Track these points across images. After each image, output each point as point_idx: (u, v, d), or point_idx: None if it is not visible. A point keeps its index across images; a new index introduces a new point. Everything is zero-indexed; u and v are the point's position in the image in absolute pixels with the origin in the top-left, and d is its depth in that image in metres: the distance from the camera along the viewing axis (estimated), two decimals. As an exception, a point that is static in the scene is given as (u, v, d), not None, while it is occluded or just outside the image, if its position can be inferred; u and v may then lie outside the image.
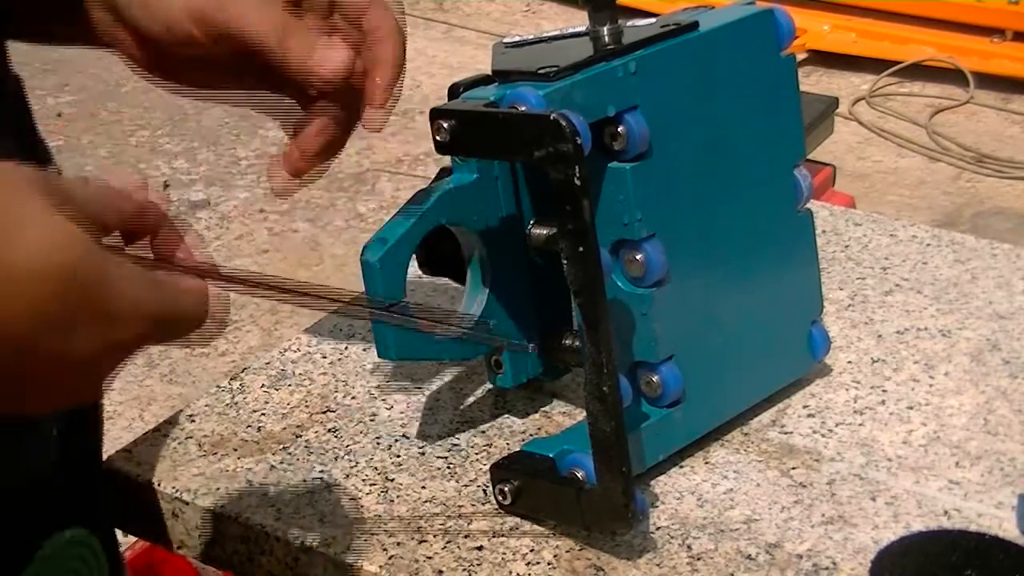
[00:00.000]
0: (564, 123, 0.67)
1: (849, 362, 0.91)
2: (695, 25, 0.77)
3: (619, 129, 0.74)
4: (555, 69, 0.73)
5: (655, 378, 0.78)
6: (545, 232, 0.79)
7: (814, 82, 3.71)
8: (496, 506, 0.78)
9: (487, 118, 0.72)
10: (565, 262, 0.70)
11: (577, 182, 0.68)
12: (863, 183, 3.21)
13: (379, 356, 0.77)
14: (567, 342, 0.81)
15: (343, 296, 0.63)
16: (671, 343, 0.78)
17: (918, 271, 1.02)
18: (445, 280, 0.87)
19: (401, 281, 0.75)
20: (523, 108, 0.71)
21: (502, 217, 0.79)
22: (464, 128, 0.72)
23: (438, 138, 0.73)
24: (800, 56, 3.63)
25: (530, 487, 0.76)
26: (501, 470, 0.77)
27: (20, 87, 0.75)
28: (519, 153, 0.72)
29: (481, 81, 0.78)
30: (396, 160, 3.35)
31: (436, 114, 0.73)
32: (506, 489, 0.77)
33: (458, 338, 0.79)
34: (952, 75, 3.66)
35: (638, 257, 0.76)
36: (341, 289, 0.63)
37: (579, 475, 0.74)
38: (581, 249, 0.69)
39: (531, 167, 0.79)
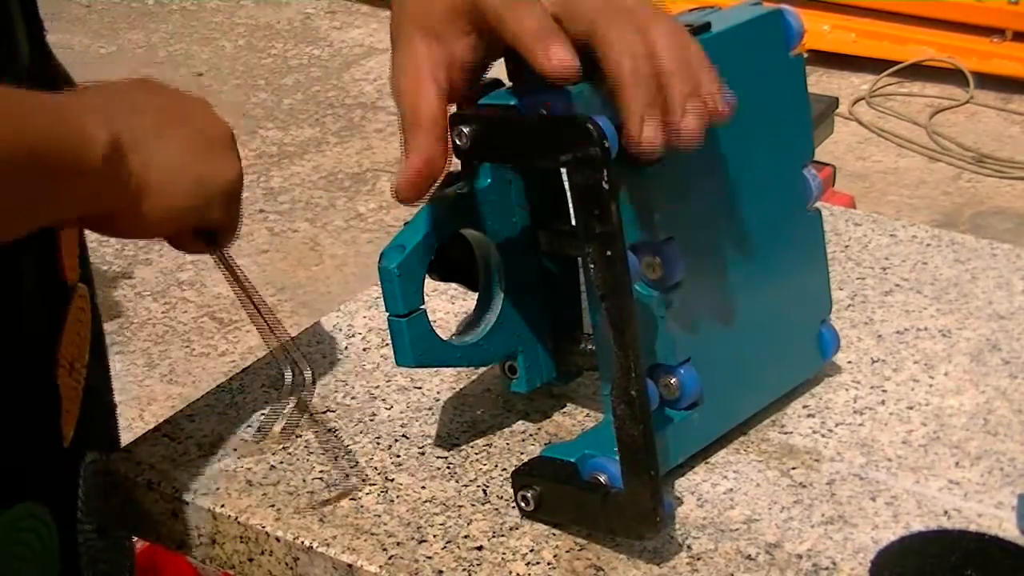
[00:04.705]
0: (592, 126, 0.67)
1: (849, 362, 0.91)
2: (707, 26, 0.77)
3: None
4: None
5: (673, 380, 0.77)
6: (559, 236, 0.79)
7: (814, 82, 3.71)
8: (494, 507, 0.78)
9: (511, 123, 0.71)
10: (592, 266, 0.69)
11: (605, 186, 0.67)
12: (863, 183, 3.21)
13: (397, 364, 0.76)
14: (580, 346, 0.81)
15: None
16: (688, 345, 0.77)
17: (918, 271, 1.01)
18: (453, 286, 0.87)
19: (419, 288, 0.75)
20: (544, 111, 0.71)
21: (515, 221, 0.78)
22: (486, 133, 0.72)
23: (458, 143, 0.73)
24: (800, 56, 3.62)
25: (553, 493, 0.75)
26: (523, 476, 0.76)
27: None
28: (544, 158, 0.71)
29: (490, 86, 0.76)
30: (396, 160, 3.35)
31: (456, 119, 0.73)
32: (528, 496, 0.76)
33: (477, 344, 0.79)
34: (952, 75, 3.66)
35: (656, 260, 0.75)
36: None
37: (602, 479, 0.73)
38: (609, 253, 0.68)
39: (545, 170, 0.78)
